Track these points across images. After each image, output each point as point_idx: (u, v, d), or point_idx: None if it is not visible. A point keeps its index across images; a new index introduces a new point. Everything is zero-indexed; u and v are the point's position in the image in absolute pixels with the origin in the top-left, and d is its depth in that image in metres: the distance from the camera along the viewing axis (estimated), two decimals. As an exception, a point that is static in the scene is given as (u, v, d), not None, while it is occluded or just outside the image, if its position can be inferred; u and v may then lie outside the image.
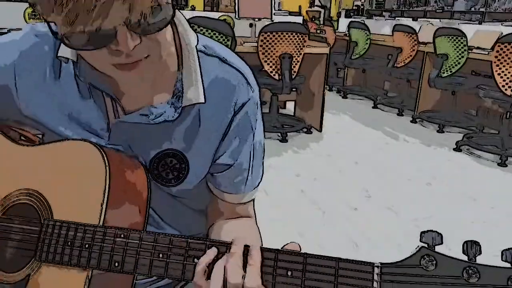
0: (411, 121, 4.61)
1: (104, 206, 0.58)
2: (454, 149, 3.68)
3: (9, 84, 0.65)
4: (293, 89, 3.71)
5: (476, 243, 0.46)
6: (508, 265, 0.45)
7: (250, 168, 0.72)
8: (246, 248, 0.53)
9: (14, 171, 0.66)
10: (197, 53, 0.65)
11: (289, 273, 0.50)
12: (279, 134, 3.75)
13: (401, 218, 2.43)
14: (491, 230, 2.32)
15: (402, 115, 4.85)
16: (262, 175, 0.76)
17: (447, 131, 4.22)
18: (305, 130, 4.01)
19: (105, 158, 0.60)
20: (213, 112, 0.67)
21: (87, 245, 0.57)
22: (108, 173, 0.59)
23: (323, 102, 3.96)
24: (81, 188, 0.61)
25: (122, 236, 0.56)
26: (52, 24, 0.52)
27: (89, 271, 0.57)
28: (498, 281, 0.44)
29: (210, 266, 0.52)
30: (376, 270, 0.48)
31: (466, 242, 0.46)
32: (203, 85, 0.65)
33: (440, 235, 0.47)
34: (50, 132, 0.66)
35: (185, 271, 0.53)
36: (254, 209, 0.78)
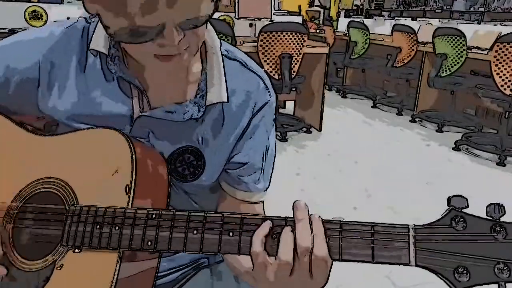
0: (410, 121, 4.62)
1: (132, 191, 0.58)
2: (453, 149, 3.69)
3: (33, 78, 0.67)
4: (293, 89, 3.71)
5: (499, 205, 0.49)
6: None
7: (262, 168, 0.74)
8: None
9: (36, 161, 0.66)
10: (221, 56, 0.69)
11: (327, 239, 0.52)
12: (279, 134, 3.76)
13: (400, 217, 2.44)
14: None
15: (402, 115, 4.86)
16: (271, 179, 0.77)
17: (446, 131, 4.23)
18: (304, 129, 4.02)
19: (131, 144, 0.60)
20: (234, 112, 0.70)
21: (117, 227, 0.56)
22: (135, 159, 0.59)
23: (323, 102, 3.97)
24: (107, 175, 0.60)
25: (154, 216, 0.56)
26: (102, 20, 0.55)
27: (119, 252, 0.56)
28: None
29: (267, 238, 0.52)
30: (412, 232, 0.50)
31: (489, 204, 0.49)
32: (226, 86, 0.68)
33: (466, 199, 0.50)
34: (72, 124, 0.67)
35: (221, 244, 0.53)
36: (264, 212, 0.78)
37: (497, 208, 0.49)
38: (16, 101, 0.69)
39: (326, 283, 0.54)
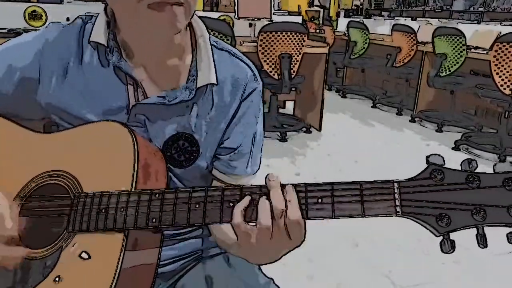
0: (410, 121, 4.62)
1: (134, 177, 0.60)
2: (452, 148, 3.69)
3: (34, 75, 0.69)
4: (293, 89, 3.72)
5: (472, 160, 0.54)
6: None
7: (251, 153, 0.78)
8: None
9: (39, 155, 0.68)
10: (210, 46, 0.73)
11: (319, 200, 0.58)
12: (279, 134, 3.76)
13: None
14: (490, 228, 2.33)
15: (401, 115, 4.86)
16: (260, 163, 0.81)
17: (445, 131, 4.24)
18: (304, 129, 4.02)
19: (133, 135, 0.63)
20: (223, 95, 0.73)
21: (122, 209, 0.59)
22: (137, 148, 0.62)
23: (323, 102, 3.97)
24: (110, 165, 0.63)
25: (157, 195, 0.59)
26: None
27: (124, 231, 0.59)
28: (495, 183, 0.53)
29: (247, 209, 0.57)
30: (396, 185, 0.55)
31: (463, 160, 0.55)
32: (215, 71, 0.71)
33: (442, 157, 0.56)
34: (72, 116, 0.70)
35: (223, 215, 0.58)
36: None
37: (470, 162, 0.54)
38: (18, 100, 0.71)
39: (303, 241, 0.60)
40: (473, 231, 0.53)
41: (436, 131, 4.25)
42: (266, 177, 0.59)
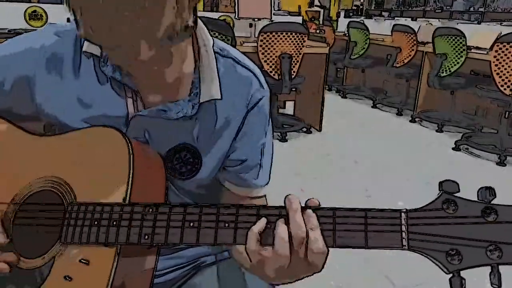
0: (410, 121, 4.62)
1: (129, 188, 0.58)
2: (453, 149, 3.69)
3: (30, 81, 0.67)
4: (293, 89, 3.71)
5: (490, 188, 0.49)
6: None
7: (261, 164, 0.75)
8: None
9: (34, 160, 0.67)
10: (214, 55, 0.69)
11: (321, 227, 0.52)
12: (279, 134, 3.76)
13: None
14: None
15: (401, 115, 4.86)
16: (270, 172, 0.78)
17: (446, 131, 4.23)
18: (304, 129, 4.02)
19: (128, 141, 0.61)
20: (228, 109, 0.70)
21: (114, 222, 0.57)
22: (132, 156, 0.60)
23: (323, 102, 3.97)
24: (105, 172, 0.61)
25: (150, 210, 0.56)
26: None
27: (117, 246, 0.57)
28: None
29: (263, 232, 0.53)
30: (403, 216, 0.51)
31: (480, 188, 0.49)
32: (219, 83, 0.68)
33: (457, 184, 0.50)
34: (68, 127, 0.68)
35: (217, 236, 0.54)
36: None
37: (488, 191, 0.49)
38: (16, 104, 0.70)
39: (323, 267, 0.55)
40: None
41: (436, 131, 4.25)
42: (285, 198, 0.54)
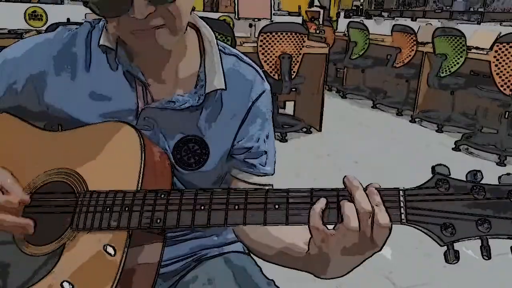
0: (410, 121, 4.62)
1: (140, 178, 0.60)
2: (453, 149, 3.69)
3: (41, 79, 0.70)
4: (293, 89, 3.72)
5: (478, 171, 0.55)
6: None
7: (266, 153, 0.78)
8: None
9: (47, 154, 0.68)
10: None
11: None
12: (279, 134, 3.76)
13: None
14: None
15: (401, 115, 4.86)
16: (274, 166, 0.80)
17: (446, 131, 4.23)
18: (304, 130, 4.02)
19: (140, 135, 0.63)
20: (233, 100, 0.74)
21: (127, 208, 0.59)
22: (144, 149, 0.62)
23: (323, 102, 3.97)
24: (116, 163, 0.63)
25: (162, 195, 0.59)
26: None
27: (127, 231, 0.58)
28: (500, 194, 0.53)
29: (325, 211, 0.56)
30: (401, 193, 0.55)
31: (469, 171, 0.55)
32: (224, 75, 0.72)
33: (447, 168, 0.56)
34: (80, 122, 0.70)
35: (227, 217, 0.57)
36: None
37: (476, 174, 0.55)
38: (25, 103, 0.72)
39: (383, 246, 0.57)
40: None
41: (436, 131, 4.25)
42: (344, 178, 0.57)
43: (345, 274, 0.62)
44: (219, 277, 0.80)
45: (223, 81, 0.71)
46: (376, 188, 0.56)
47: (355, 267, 0.61)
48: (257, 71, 0.77)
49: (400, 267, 1.99)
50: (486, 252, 0.52)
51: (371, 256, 0.58)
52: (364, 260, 0.59)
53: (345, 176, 0.57)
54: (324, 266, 0.61)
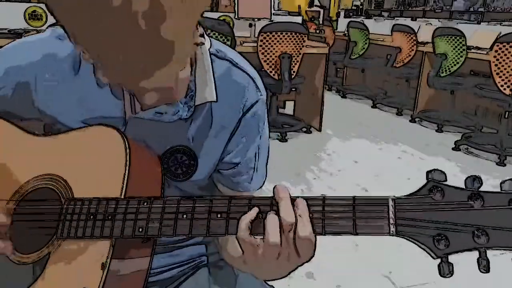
0: (410, 121, 4.62)
1: (125, 184, 0.59)
2: (453, 149, 3.69)
3: (30, 83, 0.68)
4: (293, 89, 3.72)
5: (477, 177, 0.50)
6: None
7: (255, 167, 0.75)
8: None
9: (32, 159, 0.68)
10: (210, 56, 0.69)
11: (311, 215, 0.54)
12: (279, 134, 3.76)
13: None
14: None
15: (401, 115, 4.86)
16: (266, 175, 0.78)
17: (446, 131, 4.23)
18: (304, 129, 4.02)
19: (125, 139, 0.62)
20: (223, 111, 0.70)
21: (109, 216, 0.57)
22: (129, 153, 0.60)
23: (323, 102, 3.97)
24: (101, 169, 0.62)
25: (145, 204, 0.57)
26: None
27: (112, 239, 0.58)
28: (500, 203, 0.49)
29: (254, 221, 0.54)
30: (391, 202, 0.52)
31: (468, 177, 0.50)
32: (215, 85, 0.68)
33: (444, 173, 0.52)
34: (68, 127, 0.69)
35: (209, 226, 0.55)
36: None
37: (475, 180, 0.50)
38: (17, 107, 0.71)
39: (312, 257, 0.56)
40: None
41: (436, 131, 4.25)
42: (274, 188, 0.55)
43: (283, 277, 0.61)
44: (216, 284, 0.80)
45: (214, 92, 0.68)
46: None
47: (290, 272, 0.59)
48: (251, 77, 0.72)
49: (400, 267, 1.99)
50: (483, 265, 0.49)
51: (300, 266, 0.57)
52: (295, 268, 0.58)
53: (275, 186, 0.55)
54: (256, 271, 0.61)
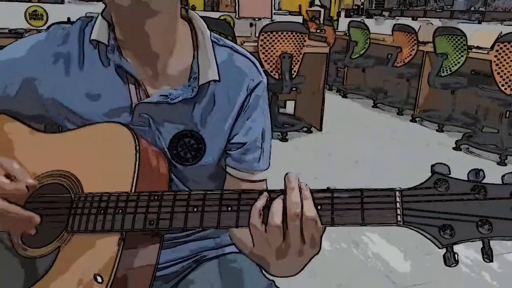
0: (410, 121, 4.62)
1: (135, 180, 0.60)
2: (453, 148, 3.68)
3: (36, 77, 0.70)
4: (293, 89, 3.71)
5: (480, 170, 0.52)
6: None
7: (262, 148, 0.77)
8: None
9: (43, 156, 0.69)
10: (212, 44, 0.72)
11: (319, 207, 0.55)
12: (279, 134, 3.76)
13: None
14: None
15: (402, 115, 4.86)
16: (270, 160, 0.79)
17: (446, 130, 4.23)
18: (305, 129, 4.02)
19: (135, 136, 0.63)
20: (227, 93, 0.72)
21: (120, 210, 0.58)
22: (139, 150, 0.62)
23: (323, 102, 3.97)
24: (111, 165, 0.63)
25: (155, 197, 0.58)
26: None
27: (122, 233, 0.58)
28: (503, 194, 0.51)
29: (265, 210, 0.55)
30: (398, 194, 0.53)
31: (471, 170, 0.52)
32: (218, 68, 0.71)
33: (448, 166, 0.53)
34: (76, 116, 0.70)
35: (220, 219, 0.56)
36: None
37: (478, 172, 0.52)
38: (21, 105, 0.72)
39: (319, 251, 0.57)
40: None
41: (437, 131, 4.24)
42: (285, 176, 0.56)
43: (295, 275, 0.61)
44: (219, 278, 0.80)
45: (217, 72, 0.70)
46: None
47: (302, 268, 0.60)
48: (252, 62, 0.76)
49: (400, 266, 1.99)
50: (487, 255, 0.50)
51: (311, 259, 0.58)
52: (307, 263, 0.58)
53: (286, 173, 0.56)
54: (266, 261, 0.61)
